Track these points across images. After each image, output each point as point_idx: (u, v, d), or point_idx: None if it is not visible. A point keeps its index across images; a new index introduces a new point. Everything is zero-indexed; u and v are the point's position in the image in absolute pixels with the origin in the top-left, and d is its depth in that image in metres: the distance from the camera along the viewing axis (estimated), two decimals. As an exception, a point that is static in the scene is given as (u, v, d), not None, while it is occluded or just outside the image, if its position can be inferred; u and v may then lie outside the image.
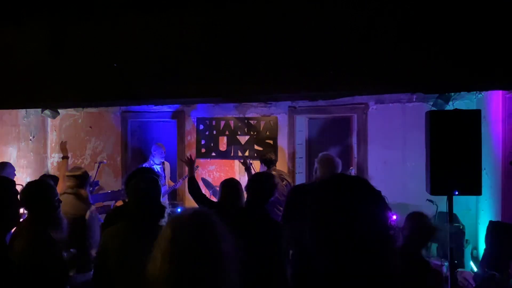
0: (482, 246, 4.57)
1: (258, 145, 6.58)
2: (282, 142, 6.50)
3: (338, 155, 6.17)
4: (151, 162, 6.06)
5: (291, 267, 3.08)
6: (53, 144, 7.39)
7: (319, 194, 1.19)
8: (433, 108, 5.04)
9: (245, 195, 3.37)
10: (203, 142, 6.83)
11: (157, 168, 5.92)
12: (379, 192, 1.16)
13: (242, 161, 4.45)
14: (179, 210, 5.15)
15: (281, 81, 2.35)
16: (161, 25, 2.56)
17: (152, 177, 2.57)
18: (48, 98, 3.01)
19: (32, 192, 2.56)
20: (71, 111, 7.27)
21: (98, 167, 6.22)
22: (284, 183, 4.80)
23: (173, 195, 6.68)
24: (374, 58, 2.17)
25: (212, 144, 6.78)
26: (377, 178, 5.72)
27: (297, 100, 5.97)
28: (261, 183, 3.09)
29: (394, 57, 2.15)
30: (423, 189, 3.18)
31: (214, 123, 6.78)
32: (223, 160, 6.75)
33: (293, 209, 3.31)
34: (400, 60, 2.15)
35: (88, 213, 3.61)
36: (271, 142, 6.53)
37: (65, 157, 4.39)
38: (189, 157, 4.42)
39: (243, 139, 6.66)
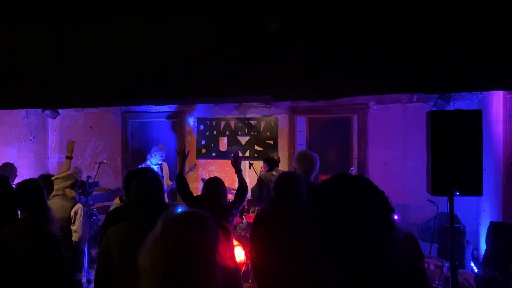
0: (483, 247, 4.56)
1: (258, 145, 6.57)
2: (283, 142, 6.50)
3: (338, 155, 6.19)
4: (148, 162, 6.06)
5: None
6: (53, 145, 7.40)
7: (322, 194, 1.18)
8: (434, 109, 5.03)
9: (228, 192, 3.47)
10: (203, 142, 6.83)
11: (154, 168, 5.92)
12: (382, 192, 1.16)
13: (233, 153, 4.32)
14: (179, 210, 5.14)
15: (281, 80, 2.34)
16: (161, 25, 2.55)
17: (154, 176, 2.57)
18: (48, 99, 3.00)
19: (22, 191, 2.59)
20: (71, 111, 7.27)
21: (98, 167, 6.22)
22: None
23: (174, 195, 6.67)
24: (374, 58, 2.17)
25: (212, 145, 6.78)
26: (377, 178, 5.65)
27: (297, 100, 5.96)
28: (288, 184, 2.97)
29: (394, 57, 2.14)
30: (424, 189, 3.17)
31: (214, 123, 6.78)
32: (223, 161, 6.74)
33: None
34: (401, 60, 2.14)
35: (73, 210, 3.63)
36: (271, 142, 6.53)
37: (68, 158, 4.31)
38: (181, 148, 4.25)
39: (244, 139, 6.66)
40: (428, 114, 3.05)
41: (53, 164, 7.35)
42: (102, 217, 4.16)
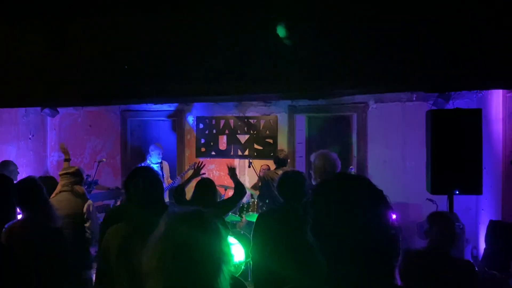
0: (482, 246, 4.56)
1: (258, 144, 6.57)
2: (282, 141, 6.49)
3: (338, 154, 6.17)
4: (148, 161, 6.06)
5: None
6: (52, 143, 7.39)
7: (321, 193, 1.18)
8: (434, 107, 5.03)
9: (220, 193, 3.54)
10: (202, 141, 6.82)
11: (154, 167, 5.92)
12: (381, 191, 1.16)
13: (229, 167, 4.22)
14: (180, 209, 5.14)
15: (281, 79, 2.33)
16: (160, 24, 2.54)
17: (154, 175, 2.56)
18: (48, 97, 3.00)
19: (21, 189, 2.59)
20: (70, 110, 7.26)
21: (98, 165, 6.21)
22: None
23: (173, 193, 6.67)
24: (374, 56, 2.16)
25: (211, 143, 6.77)
26: (377, 177, 5.68)
27: (297, 99, 5.96)
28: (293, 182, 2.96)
29: (394, 55, 2.14)
30: (423, 188, 3.17)
31: (214, 122, 6.77)
32: (223, 159, 6.73)
33: None
34: (400, 58, 2.14)
35: (85, 207, 3.59)
36: (271, 141, 6.52)
37: (67, 160, 4.29)
38: (199, 166, 4.19)
39: (243, 138, 6.65)
40: (428, 113, 3.05)
41: (52, 162, 7.34)
42: (101, 216, 4.14)
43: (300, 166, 6.42)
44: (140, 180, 2.42)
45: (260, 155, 6.45)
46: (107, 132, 7.25)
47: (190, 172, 4.35)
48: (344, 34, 2.19)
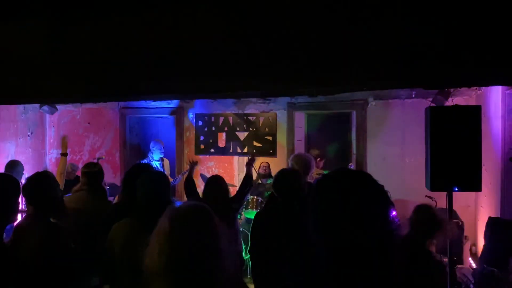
0: (481, 243, 4.57)
1: (257, 141, 6.56)
2: (281, 138, 6.49)
3: (337, 151, 6.18)
4: (150, 158, 6.05)
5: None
6: (51, 140, 7.38)
7: (323, 188, 1.18)
8: (433, 104, 5.03)
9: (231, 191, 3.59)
10: (201, 138, 6.81)
11: (156, 164, 5.92)
12: (382, 187, 1.16)
13: (249, 157, 4.61)
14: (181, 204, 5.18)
15: (280, 76, 2.33)
16: (160, 22, 2.54)
17: (160, 172, 2.56)
18: (46, 94, 2.99)
19: (33, 186, 2.56)
20: (69, 107, 7.25)
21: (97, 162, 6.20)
22: None
23: (172, 191, 6.67)
24: (373, 53, 2.15)
25: (211, 140, 6.77)
26: (376, 174, 5.59)
27: (296, 96, 5.95)
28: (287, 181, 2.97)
29: (393, 52, 2.13)
30: (422, 185, 3.17)
31: (213, 119, 6.76)
32: (222, 156, 6.74)
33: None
34: (399, 55, 2.13)
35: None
36: (270, 138, 6.52)
37: (63, 154, 4.11)
38: (191, 161, 4.72)
39: (242, 135, 6.65)
40: (427, 110, 3.04)
41: (51, 160, 7.33)
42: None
43: (299, 163, 6.41)
44: (145, 177, 2.41)
45: (259, 152, 6.45)
46: (106, 129, 7.24)
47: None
48: (343, 29, 2.18)
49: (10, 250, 2.30)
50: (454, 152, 2.88)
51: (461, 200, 5.14)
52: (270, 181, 5.42)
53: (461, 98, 5.51)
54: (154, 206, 2.26)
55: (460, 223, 5.19)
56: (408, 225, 2.79)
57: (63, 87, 2.83)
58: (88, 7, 2.68)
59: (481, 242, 4.57)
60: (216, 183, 3.65)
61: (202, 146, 6.80)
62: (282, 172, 3.09)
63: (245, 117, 6.61)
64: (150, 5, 2.54)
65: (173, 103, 6.89)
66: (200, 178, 6.36)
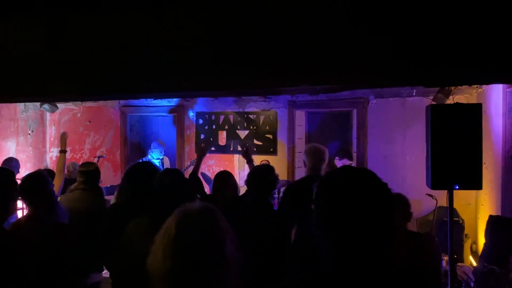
0: (481, 241, 4.57)
1: (257, 139, 6.57)
2: (282, 136, 6.49)
3: (338, 149, 6.17)
4: (150, 157, 6.06)
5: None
6: (52, 138, 7.38)
7: (327, 186, 1.19)
8: (433, 102, 5.02)
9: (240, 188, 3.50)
10: (202, 136, 6.81)
11: (156, 162, 5.92)
12: (385, 184, 1.17)
13: (244, 149, 4.40)
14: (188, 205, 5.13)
15: (280, 74, 2.32)
16: (159, 20, 2.53)
17: (175, 169, 2.56)
18: (46, 92, 2.99)
19: (30, 184, 2.56)
20: (70, 105, 7.25)
21: (98, 161, 6.21)
22: None
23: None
24: (373, 51, 2.15)
25: (211, 139, 6.77)
26: (377, 172, 5.67)
27: (296, 94, 5.95)
28: (262, 176, 3.06)
29: (394, 50, 2.13)
30: (423, 183, 3.17)
31: (213, 117, 6.76)
32: (223, 155, 6.74)
33: (287, 207, 3.28)
34: (400, 53, 2.12)
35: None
36: (270, 136, 6.52)
37: (62, 151, 4.07)
38: (202, 146, 4.40)
39: (243, 133, 6.65)
40: (428, 108, 3.03)
41: (52, 158, 7.34)
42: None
43: (299, 161, 6.42)
44: (162, 175, 2.41)
45: (259, 151, 6.45)
46: (107, 127, 7.24)
47: (191, 169, 4.35)
48: (343, 27, 2.18)
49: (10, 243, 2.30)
50: (455, 150, 2.87)
51: (462, 198, 5.13)
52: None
53: (462, 96, 5.51)
54: (172, 203, 2.24)
55: (461, 221, 5.19)
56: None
57: (63, 85, 2.83)
58: (88, 6, 2.68)
59: (481, 240, 4.57)
60: (224, 179, 3.57)
61: (202, 144, 6.80)
62: (257, 167, 3.28)
63: (245, 116, 6.61)
64: (150, 4, 2.54)
65: (174, 102, 6.89)
66: (200, 177, 6.35)
